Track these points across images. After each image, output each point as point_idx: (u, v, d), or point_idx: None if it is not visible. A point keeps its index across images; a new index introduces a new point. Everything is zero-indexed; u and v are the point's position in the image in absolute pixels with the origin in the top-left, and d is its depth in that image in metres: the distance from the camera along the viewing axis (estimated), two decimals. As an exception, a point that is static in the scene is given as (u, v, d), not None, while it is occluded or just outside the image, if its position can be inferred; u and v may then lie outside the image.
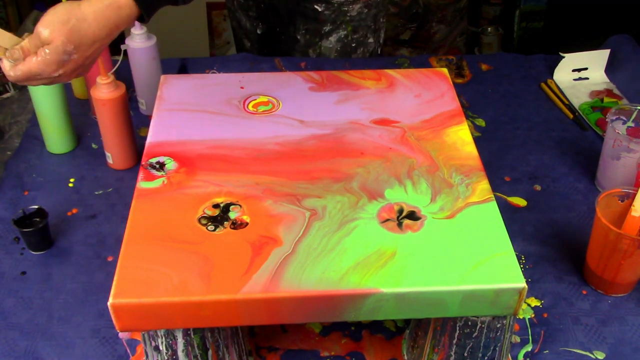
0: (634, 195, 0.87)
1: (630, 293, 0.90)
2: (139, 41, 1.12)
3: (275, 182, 0.77)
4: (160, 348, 0.69)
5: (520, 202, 1.04)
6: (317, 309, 0.66)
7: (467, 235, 0.71)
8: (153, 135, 0.84)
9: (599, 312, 0.88)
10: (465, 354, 0.73)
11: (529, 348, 0.84)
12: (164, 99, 0.90)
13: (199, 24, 2.38)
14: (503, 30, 2.36)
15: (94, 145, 1.13)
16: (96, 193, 1.04)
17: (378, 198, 0.75)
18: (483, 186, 0.77)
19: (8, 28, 2.12)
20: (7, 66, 0.74)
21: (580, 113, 1.23)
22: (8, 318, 0.86)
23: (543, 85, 1.30)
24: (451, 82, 0.95)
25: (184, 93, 0.91)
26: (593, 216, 0.88)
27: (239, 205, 0.74)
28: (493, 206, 0.75)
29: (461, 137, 0.85)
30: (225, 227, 0.71)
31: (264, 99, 0.91)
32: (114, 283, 0.65)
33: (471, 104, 1.25)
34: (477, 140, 0.87)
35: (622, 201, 0.89)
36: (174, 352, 0.69)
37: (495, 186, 1.05)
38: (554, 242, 0.98)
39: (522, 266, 0.93)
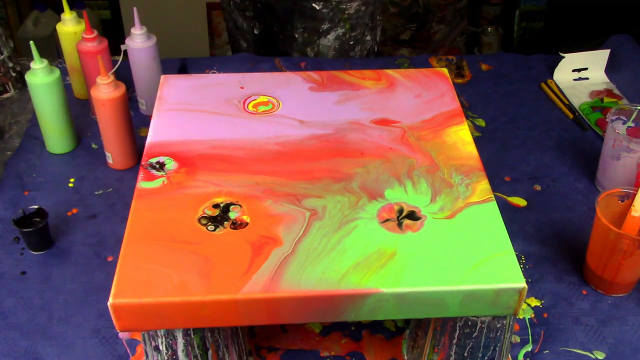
0: (634, 195, 0.87)
1: (630, 293, 0.90)
2: (138, 41, 1.12)
3: (275, 182, 0.77)
4: (160, 348, 0.69)
5: (520, 202, 1.04)
6: (317, 309, 0.66)
7: (467, 235, 0.71)
8: (153, 135, 0.84)
9: (599, 312, 0.88)
10: (465, 354, 0.73)
11: (529, 348, 0.84)
12: (164, 99, 0.90)
13: (199, 24, 2.39)
14: (503, 30, 2.36)
15: (94, 145, 1.13)
16: (96, 193, 1.04)
17: (378, 198, 0.75)
18: (483, 186, 0.77)
19: (8, 28, 2.13)
20: None
21: (580, 113, 1.22)
22: (8, 318, 0.86)
23: (543, 85, 1.30)
24: (451, 82, 0.95)
25: (184, 93, 0.91)
26: (593, 216, 0.88)
27: (239, 205, 0.74)
28: (493, 206, 0.75)
29: (461, 137, 0.85)
30: (225, 227, 0.71)
31: (264, 99, 0.91)
32: (114, 283, 0.65)
33: (471, 104, 1.25)
34: (477, 140, 0.87)
35: (622, 201, 0.89)
36: (174, 352, 0.69)
37: (495, 186, 1.04)
38: (554, 242, 0.98)
39: (522, 266, 0.93)
